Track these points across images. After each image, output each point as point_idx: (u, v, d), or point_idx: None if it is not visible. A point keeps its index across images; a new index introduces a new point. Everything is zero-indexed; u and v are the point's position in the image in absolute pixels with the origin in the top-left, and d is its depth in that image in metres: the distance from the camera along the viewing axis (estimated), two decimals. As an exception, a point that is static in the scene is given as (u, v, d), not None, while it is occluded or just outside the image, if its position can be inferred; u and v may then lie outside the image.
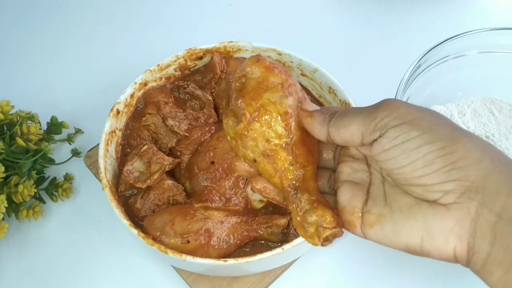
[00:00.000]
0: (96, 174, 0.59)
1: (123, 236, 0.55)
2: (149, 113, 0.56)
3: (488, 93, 0.62)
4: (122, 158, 0.55)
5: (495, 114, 0.61)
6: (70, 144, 0.62)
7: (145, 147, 0.52)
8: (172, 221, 0.47)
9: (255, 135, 0.35)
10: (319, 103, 0.61)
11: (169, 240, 0.46)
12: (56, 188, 0.57)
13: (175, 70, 0.61)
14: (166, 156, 0.53)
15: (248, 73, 0.36)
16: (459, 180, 0.28)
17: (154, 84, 0.59)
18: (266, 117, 0.35)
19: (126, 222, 0.46)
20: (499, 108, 0.61)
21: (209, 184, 0.52)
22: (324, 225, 0.33)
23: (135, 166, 0.51)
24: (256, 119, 0.35)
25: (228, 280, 0.50)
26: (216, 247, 0.47)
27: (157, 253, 0.44)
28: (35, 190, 0.53)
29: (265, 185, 0.37)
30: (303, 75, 0.61)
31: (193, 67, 0.62)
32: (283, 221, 0.49)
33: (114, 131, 0.54)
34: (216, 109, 0.60)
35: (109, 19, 0.81)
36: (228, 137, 0.37)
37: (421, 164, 0.29)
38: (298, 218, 0.34)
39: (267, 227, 0.49)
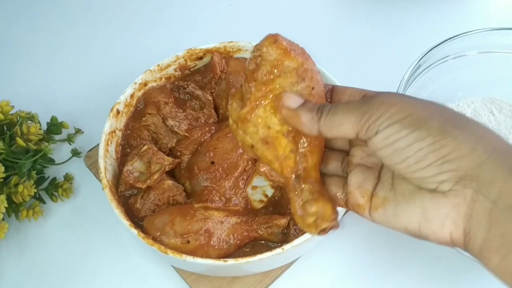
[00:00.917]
0: (96, 174, 0.59)
1: (123, 236, 0.55)
2: (149, 113, 0.56)
3: (488, 93, 0.62)
4: (122, 158, 0.55)
5: (495, 114, 0.61)
6: (70, 144, 0.62)
7: (145, 147, 0.52)
8: (172, 221, 0.47)
9: (258, 120, 0.34)
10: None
11: (169, 240, 0.46)
12: (56, 188, 0.57)
13: (175, 70, 0.61)
14: (166, 156, 0.53)
15: (264, 54, 0.34)
16: (452, 171, 0.28)
17: (154, 84, 0.59)
18: (271, 103, 0.34)
19: (126, 222, 0.46)
20: (499, 108, 0.61)
21: (209, 184, 0.52)
22: (324, 218, 0.33)
23: (135, 166, 0.51)
24: (262, 103, 0.34)
25: (228, 280, 0.50)
26: (216, 247, 0.47)
27: (157, 253, 0.44)
28: (35, 190, 0.53)
29: (270, 168, 0.36)
30: (303, 75, 0.61)
31: (193, 67, 0.62)
32: (283, 221, 0.49)
33: (114, 131, 0.54)
34: (216, 109, 0.60)
35: (109, 19, 0.81)
36: (230, 120, 0.36)
37: (414, 161, 0.29)
38: (298, 207, 0.34)
39: (267, 227, 0.49)
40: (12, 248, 0.55)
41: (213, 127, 0.57)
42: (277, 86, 0.34)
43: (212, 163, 0.53)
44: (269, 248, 0.46)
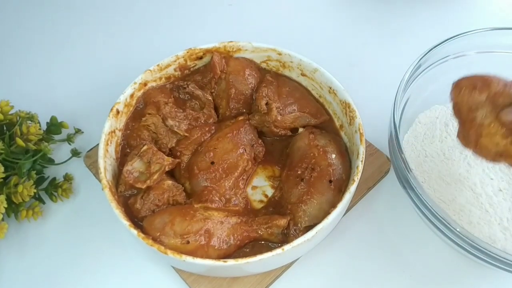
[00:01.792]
0: (96, 174, 0.59)
1: (122, 237, 0.55)
2: (149, 113, 0.56)
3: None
4: (122, 158, 0.55)
5: (495, 114, 0.61)
6: (69, 144, 0.62)
7: (145, 147, 0.52)
8: (172, 221, 0.47)
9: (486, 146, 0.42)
10: (319, 103, 0.61)
11: (169, 241, 0.46)
12: (56, 188, 0.57)
13: (175, 70, 0.61)
14: (166, 156, 0.53)
15: (457, 102, 0.44)
16: None
17: (154, 84, 0.59)
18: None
19: (126, 223, 0.46)
20: (499, 108, 0.61)
21: (209, 184, 0.52)
22: None
23: (135, 166, 0.51)
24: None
25: (228, 281, 0.50)
26: (216, 247, 0.47)
27: (157, 253, 0.44)
28: (35, 191, 0.53)
29: None
30: (303, 75, 0.61)
31: (193, 67, 0.62)
32: (283, 221, 0.49)
33: (114, 131, 0.54)
34: (216, 109, 0.60)
35: (109, 19, 0.81)
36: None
37: None
38: None
39: (267, 228, 0.49)
40: (12, 248, 0.55)
41: (213, 127, 0.57)
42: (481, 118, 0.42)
43: (212, 163, 0.53)
44: (269, 249, 0.46)
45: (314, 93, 0.61)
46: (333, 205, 0.47)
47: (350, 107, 0.55)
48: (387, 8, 0.83)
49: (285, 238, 0.50)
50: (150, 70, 0.58)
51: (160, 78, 0.60)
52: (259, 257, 0.43)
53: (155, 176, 0.51)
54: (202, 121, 0.58)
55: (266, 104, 0.56)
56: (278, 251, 0.44)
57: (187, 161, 0.55)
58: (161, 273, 0.53)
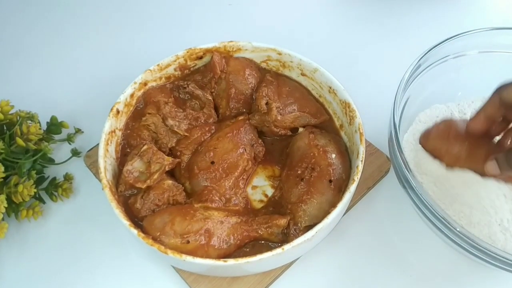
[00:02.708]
0: (96, 174, 0.59)
1: (123, 236, 0.55)
2: (149, 113, 0.56)
3: (488, 93, 0.62)
4: (122, 158, 0.55)
5: (495, 114, 0.61)
6: (70, 144, 0.62)
7: (145, 147, 0.52)
8: (172, 221, 0.47)
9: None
10: (319, 103, 0.61)
11: (169, 240, 0.46)
12: (56, 188, 0.57)
13: (175, 70, 0.61)
14: (166, 156, 0.53)
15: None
16: None
17: (154, 84, 0.59)
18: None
19: (126, 222, 0.46)
20: (499, 108, 0.61)
21: (209, 184, 0.52)
22: None
23: (135, 166, 0.51)
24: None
25: (228, 280, 0.50)
26: (216, 247, 0.47)
27: (157, 253, 0.44)
28: (35, 190, 0.53)
29: None
30: (303, 74, 0.61)
31: (193, 66, 0.62)
32: (283, 221, 0.49)
33: (114, 131, 0.54)
34: (216, 108, 0.60)
35: (109, 19, 0.81)
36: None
37: None
38: None
39: (267, 227, 0.49)
40: (12, 248, 0.55)
41: (213, 127, 0.57)
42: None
43: (212, 163, 0.53)
44: (269, 248, 0.46)
45: (314, 93, 0.61)
46: (333, 205, 0.47)
47: (350, 106, 0.55)
48: (387, 8, 0.83)
49: (285, 237, 0.50)
50: (150, 70, 0.58)
51: (160, 78, 0.60)
52: (259, 256, 0.43)
53: (155, 176, 0.51)
54: (202, 121, 0.58)
55: (266, 103, 0.57)
56: (278, 250, 0.44)
57: (187, 161, 0.55)
58: (161, 272, 0.53)
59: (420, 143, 0.51)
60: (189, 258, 0.43)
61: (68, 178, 0.59)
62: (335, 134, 0.58)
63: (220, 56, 0.60)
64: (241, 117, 0.58)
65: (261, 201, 0.55)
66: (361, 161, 0.50)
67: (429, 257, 0.54)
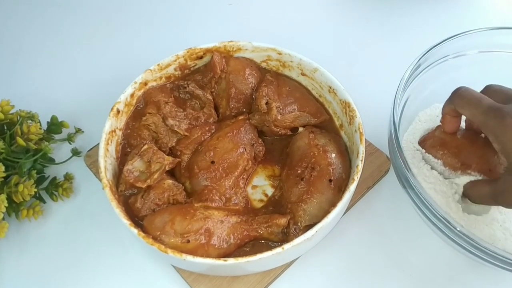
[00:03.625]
0: (96, 173, 0.59)
1: (123, 236, 0.55)
2: (149, 113, 0.56)
3: (488, 93, 0.62)
4: (122, 158, 0.55)
5: (495, 114, 0.61)
6: (70, 143, 0.63)
7: (145, 146, 0.53)
8: (172, 220, 0.47)
9: None
10: (319, 103, 0.61)
11: (169, 240, 0.46)
12: (56, 188, 0.58)
13: (175, 69, 0.61)
14: (166, 156, 0.53)
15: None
16: None
17: (154, 83, 0.59)
18: None
19: (126, 222, 0.46)
20: (499, 108, 0.61)
21: (209, 184, 0.52)
22: None
23: (135, 165, 0.51)
24: None
25: (228, 280, 0.50)
26: (216, 246, 0.47)
27: (157, 252, 0.44)
28: (35, 190, 0.54)
29: None
30: (303, 74, 0.61)
31: (193, 66, 0.62)
32: (283, 220, 0.49)
33: (114, 131, 0.54)
34: (216, 108, 0.60)
35: (109, 19, 0.81)
36: None
37: None
38: None
39: (267, 227, 0.50)
40: (12, 248, 0.55)
41: (213, 127, 0.57)
42: None
43: (212, 162, 0.53)
44: (269, 248, 0.46)
45: (314, 93, 0.61)
46: (333, 204, 0.48)
47: (350, 106, 0.55)
48: (387, 8, 0.83)
49: (285, 237, 0.50)
50: (150, 69, 0.58)
51: (161, 78, 0.60)
52: (259, 256, 0.43)
53: (156, 175, 0.51)
54: (202, 121, 0.58)
55: (266, 103, 0.57)
56: (278, 250, 0.44)
57: (188, 161, 0.55)
58: (161, 272, 0.53)
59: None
60: (189, 258, 0.43)
61: (68, 177, 0.59)
62: (335, 134, 0.58)
63: (220, 56, 0.60)
64: (241, 117, 0.58)
65: (261, 200, 0.55)
66: (361, 160, 0.50)
67: (429, 257, 0.54)
